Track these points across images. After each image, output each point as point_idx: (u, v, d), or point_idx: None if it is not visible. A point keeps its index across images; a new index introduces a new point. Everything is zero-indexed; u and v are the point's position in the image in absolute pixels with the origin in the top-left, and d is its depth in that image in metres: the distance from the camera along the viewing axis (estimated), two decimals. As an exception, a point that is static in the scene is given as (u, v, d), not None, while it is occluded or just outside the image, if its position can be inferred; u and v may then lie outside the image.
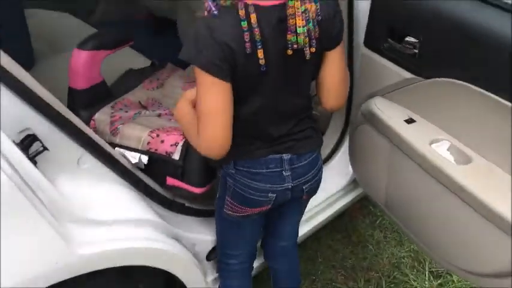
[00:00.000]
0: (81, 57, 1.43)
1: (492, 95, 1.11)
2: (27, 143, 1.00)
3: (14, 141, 0.96)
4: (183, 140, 1.35)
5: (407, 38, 1.29)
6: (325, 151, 1.88)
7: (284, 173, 1.25)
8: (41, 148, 1.01)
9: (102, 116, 1.46)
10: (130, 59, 1.97)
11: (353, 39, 1.59)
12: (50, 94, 1.07)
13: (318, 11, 1.08)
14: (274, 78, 1.12)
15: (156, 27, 2.79)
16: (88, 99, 1.47)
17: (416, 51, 1.27)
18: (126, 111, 1.50)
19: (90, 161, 1.16)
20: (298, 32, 1.05)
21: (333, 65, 1.21)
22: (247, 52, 1.03)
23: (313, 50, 1.09)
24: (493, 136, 1.18)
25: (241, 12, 1.01)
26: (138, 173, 1.32)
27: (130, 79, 1.70)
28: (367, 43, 1.45)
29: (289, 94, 1.19)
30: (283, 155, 1.24)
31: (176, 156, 1.35)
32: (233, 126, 1.12)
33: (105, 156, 1.19)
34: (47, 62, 2.00)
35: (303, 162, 1.27)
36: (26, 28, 2.07)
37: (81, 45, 1.45)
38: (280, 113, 1.21)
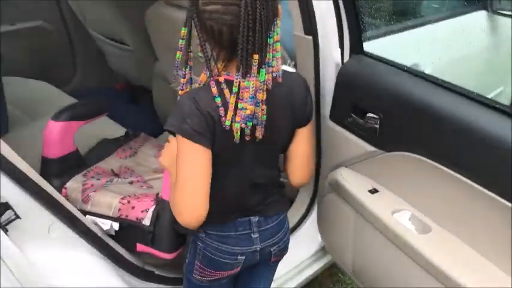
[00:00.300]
0: (54, 128, 1.49)
1: (447, 169, 1.19)
2: (0, 212, 1.02)
3: (-15, 210, 0.98)
4: (154, 206, 1.38)
5: (369, 114, 1.38)
6: (294, 218, 1.92)
7: (252, 235, 1.28)
8: (13, 216, 1.03)
9: (74, 184, 1.48)
10: (105, 127, 2.02)
11: (320, 113, 1.68)
12: (23, 162, 1.10)
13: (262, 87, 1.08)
14: (251, 150, 1.16)
15: (132, 96, 2.87)
16: (61, 168, 1.50)
17: (377, 126, 1.35)
18: (98, 179, 1.53)
19: (60, 229, 1.18)
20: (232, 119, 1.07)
21: (303, 142, 1.26)
22: (225, 129, 1.08)
23: (260, 136, 1.12)
24: (451, 207, 1.24)
25: (214, 90, 1.07)
26: (109, 241, 1.33)
27: (104, 148, 1.75)
28: (333, 117, 1.54)
29: (263, 166, 1.23)
30: (251, 217, 1.27)
31: (147, 222, 1.37)
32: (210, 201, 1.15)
33: (76, 224, 1.20)
34: (22, 129, 2.03)
35: (271, 224, 1.31)
36: (2, 95, 2.11)
37: (55, 117, 1.51)
38: (255, 184, 1.24)
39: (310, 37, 1.51)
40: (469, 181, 1.13)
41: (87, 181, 1.50)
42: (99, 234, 1.30)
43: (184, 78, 1.13)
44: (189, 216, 1.10)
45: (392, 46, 1.75)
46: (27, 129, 2.00)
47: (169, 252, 1.41)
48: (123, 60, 2.60)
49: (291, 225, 1.91)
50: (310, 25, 1.50)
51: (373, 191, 1.43)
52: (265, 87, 1.08)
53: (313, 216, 1.89)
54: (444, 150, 1.21)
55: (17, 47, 2.59)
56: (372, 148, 1.40)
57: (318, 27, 1.50)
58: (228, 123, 1.06)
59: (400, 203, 1.36)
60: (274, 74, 1.10)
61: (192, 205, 1.09)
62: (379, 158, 1.39)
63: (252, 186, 1.24)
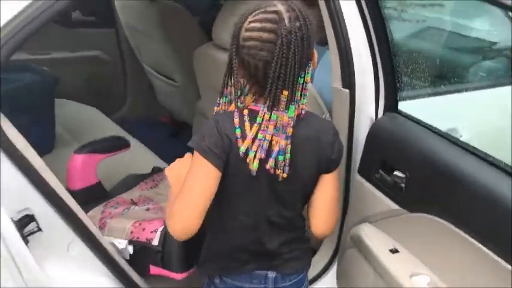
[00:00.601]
0: (76, 161, 1.56)
1: (470, 238, 1.15)
2: (24, 223, 1.07)
3: (12, 219, 1.03)
4: (162, 226, 1.40)
5: (396, 172, 1.37)
6: (314, 271, 1.89)
7: None
8: (36, 229, 1.07)
9: (93, 213, 1.54)
10: (143, 158, 2.09)
11: (351, 166, 1.68)
12: (54, 176, 1.15)
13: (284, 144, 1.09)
14: (269, 187, 1.15)
15: (175, 130, 2.96)
16: (82, 200, 1.53)
17: (403, 185, 1.34)
18: (116, 208, 1.58)
19: (79, 247, 1.22)
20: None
21: (327, 189, 1.23)
22: (241, 156, 1.09)
23: (284, 175, 1.11)
24: (471, 279, 1.20)
25: (236, 121, 1.09)
26: (123, 264, 1.35)
27: (128, 182, 1.81)
28: (361, 171, 1.53)
29: (282, 206, 1.21)
30: (269, 272, 1.24)
31: (155, 241, 1.39)
32: (226, 235, 1.16)
33: (95, 244, 1.24)
34: (65, 150, 2.12)
35: (288, 283, 1.26)
36: (53, 116, 2.23)
37: (78, 150, 1.58)
38: (272, 223, 1.21)
39: (347, 91, 1.53)
40: (492, 254, 1.10)
41: (106, 210, 1.55)
42: (116, 257, 1.33)
43: (218, 106, 1.17)
44: (179, 224, 1.10)
45: (431, 108, 1.74)
46: (71, 150, 2.09)
47: (180, 272, 1.42)
48: (170, 94, 2.70)
49: (310, 277, 1.88)
50: (348, 79, 1.52)
51: (394, 251, 1.40)
52: (292, 123, 1.10)
53: (333, 269, 1.85)
54: (468, 218, 1.18)
55: (73, 73, 2.75)
56: (396, 206, 1.38)
57: (356, 81, 1.53)
58: (242, 149, 1.07)
59: (419, 266, 1.32)
60: (300, 111, 1.12)
61: (186, 215, 1.09)
62: (402, 217, 1.37)
63: (268, 224, 1.21)
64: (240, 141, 1.08)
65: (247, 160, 1.09)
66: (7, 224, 1.00)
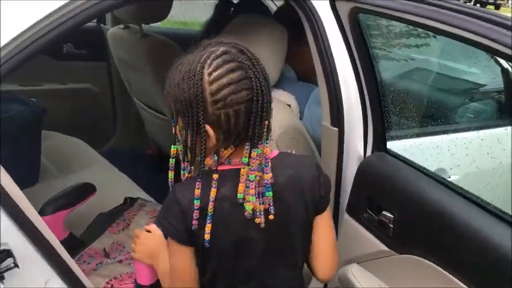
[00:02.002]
0: None
1: (457, 281, 1.13)
2: (1, 258, 1.03)
3: (-13, 254, 1.00)
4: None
5: (384, 212, 1.35)
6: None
7: None
8: (12, 265, 1.03)
9: None
10: (129, 191, 2.06)
11: (339, 205, 1.66)
12: (34, 211, 1.12)
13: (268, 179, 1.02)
14: (261, 242, 1.07)
15: (162, 163, 2.93)
16: None
17: (391, 225, 1.32)
18: (89, 263, 1.56)
19: (57, 284, 1.17)
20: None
21: (323, 233, 1.14)
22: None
23: (269, 217, 1.03)
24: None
25: (197, 192, 1.00)
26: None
27: (99, 225, 1.78)
28: (349, 211, 1.52)
29: (279, 265, 1.12)
30: None
31: None
32: None
33: (74, 282, 1.19)
34: (50, 182, 2.09)
35: None
36: (39, 148, 2.21)
37: (41, 212, 1.50)
38: (269, 287, 1.13)
39: (336, 129, 1.54)
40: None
41: (80, 266, 1.49)
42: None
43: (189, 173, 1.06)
44: None
45: (420, 148, 1.75)
46: (55, 182, 2.06)
47: None
48: (159, 128, 2.69)
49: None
50: (337, 117, 1.53)
51: (382, 294, 1.37)
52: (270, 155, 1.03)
53: (320, 311, 1.81)
54: (456, 261, 1.16)
55: (63, 105, 2.75)
56: (384, 247, 1.36)
57: (344, 120, 1.53)
58: (240, 196, 0.99)
59: (407, 310, 1.30)
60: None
61: None
62: (390, 258, 1.35)
63: None
64: (196, 213, 1.00)
65: (248, 206, 1.00)
66: (-18, 259, 0.97)
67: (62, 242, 1.45)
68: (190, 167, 1.05)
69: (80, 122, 2.83)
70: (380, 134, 1.48)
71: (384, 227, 1.35)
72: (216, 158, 1.02)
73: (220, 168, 1.01)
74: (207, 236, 1.00)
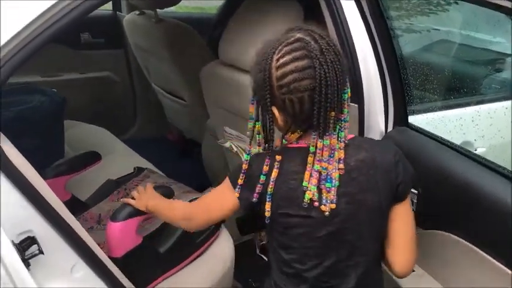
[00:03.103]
0: None
1: (487, 257, 1.11)
2: (26, 246, 1.05)
3: (13, 241, 1.01)
4: None
5: (408, 188, 1.33)
6: None
7: None
8: (37, 251, 1.05)
9: None
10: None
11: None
12: (57, 198, 1.14)
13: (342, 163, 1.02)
14: (319, 226, 1.05)
15: (183, 148, 2.95)
16: None
17: (415, 201, 1.30)
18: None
19: (83, 270, 1.19)
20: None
21: (401, 222, 1.09)
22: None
23: (331, 207, 1.01)
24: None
25: (265, 168, 1.05)
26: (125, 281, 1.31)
27: (103, 190, 1.83)
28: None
29: (339, 249, 1.08)
30: None
31: None
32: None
33: (100, 266, 1.21)
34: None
35: None
36: (62, 137, 2.24)
37: (42, 175, 1.55)
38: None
39: (356, 105, 1.51)
40: (507, 269, 1.05)
41: None
42: (122, 281, 1.29)
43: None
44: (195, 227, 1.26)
45: (444, 122, 1.71)
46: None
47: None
48: (179, 113, 2.70)
49: None
50: (356, 93, 1.50)
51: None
52: (343, 145, 1.02)
53: None
54: (485, 235, 1.13)
55: (83, 94, 2.77)
56: (409, 224, 1.34)
57: (364, 95, 1.50)
58: (305, 184, 1.00)
59: (434, 286, 1.28)
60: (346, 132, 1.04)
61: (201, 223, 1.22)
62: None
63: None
64: (259, 187, 1.05)
65: (309, 194, 1.01)
66: (7, 247, 0.98)
67: (65, 203, 1.52)
68: (265, 144, 1.08)
69: (101, 110, 2.85)
70: (401, 109, 1.45)
71: (408, 203, 1.33)
72: (284, 141, 1.07)
73: (289, 146, 1.06)
74: (267, 214, 1.05)
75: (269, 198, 1.04)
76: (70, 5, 1.06)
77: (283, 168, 1.04)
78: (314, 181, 1.00)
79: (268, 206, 1.04)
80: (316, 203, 1.01)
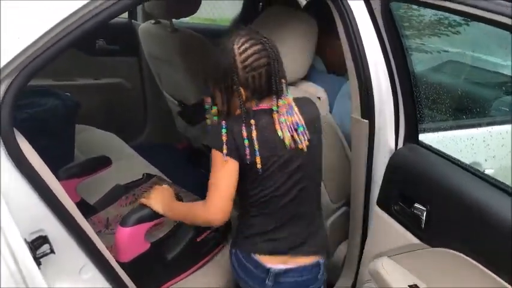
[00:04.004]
0: None
1: (496, 277, 1.11)
2: (37, 244, 1.06)
3: (25, 240, 1.03)
4: None
5: (416, 204, 1.33)
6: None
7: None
8: (48, 251, 1.06)
9: None
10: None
11: (370, 198, 1.65)
12: (69, 200, 1.15)
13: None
14: (296, 166, 1.34)
15: (191, 157, 2.96)
16: None
17: (424, 218, 1.30)
18: None
19: (92, 272, 1.20)
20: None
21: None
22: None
23: (306, 144, 1.32)
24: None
25: (244, 134, 1.27)
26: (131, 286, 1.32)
27: (112, 195, 1.86)
28: (380, 203, 1.50)
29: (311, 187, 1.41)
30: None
31: None
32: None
33: (108, 269, 1.22)
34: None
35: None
36: (73, 140, 2.26)
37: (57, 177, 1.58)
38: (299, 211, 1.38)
39: (367, 121, 1.52)
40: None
41: None
42: (129, 285, 1.30)
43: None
44: (214, 213, 1.31)
45: (454, 142, 1.71)
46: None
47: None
48: (189, 123, 2.71)
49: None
50: (367, 109, 1.51)
51: (414, 287, 1.35)
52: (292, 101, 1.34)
53: (351, 304, 1.80)
54: (494, 256, 1.13)
55: (95, 99, 2.80)
56: (416, 240, 1.34)
57: (375, 112, 1.51)
58: (280, 133, 1.29)
59: (440, 304, 1.28)
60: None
61: (218, 206, 1.30)
62: (423, 252, 1.33)
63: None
64: (248, 150, 1.27)
65: (285, 139, 1.29)
66: (20, 244, 0.99)
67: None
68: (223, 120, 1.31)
69: (112, 116, 2.88)
70: (412, 126, 1.46)
71: (416, 220, 1.33)
72: (244, 110, 1.29)
73: (254, 109, 1.31)
74: (259, 166, 1.29)
75: (257, 153, 1.28)
76: (90, 13, 1.08)
77: (258, 126, 1.28)
78: (285, 130, 1.29)
79: (258, 160, 1.28)
80: (293, 145, 1.31)
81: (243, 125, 1.28)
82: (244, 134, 1.27)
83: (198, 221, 1.40)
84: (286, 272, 1.37)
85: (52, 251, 1.07)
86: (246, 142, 1.27)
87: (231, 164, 1.29)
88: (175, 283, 1.57)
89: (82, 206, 1.71)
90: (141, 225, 1.45)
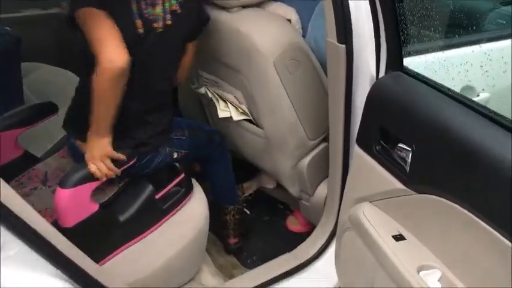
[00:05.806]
0: None
1: (488, 227, 0.93)
2: None
3: None
4: None
5: (401, 145, 1.14)
6: (311, 251, 1.71)
7: None
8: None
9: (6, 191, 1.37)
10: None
11: (349, 135, 1.46)
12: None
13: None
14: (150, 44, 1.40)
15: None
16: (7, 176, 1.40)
17: (409, 160, 1.11)
18: (25, 187, 1.45)
19: (19, 246, 1.01)
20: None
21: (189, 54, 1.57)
22: None
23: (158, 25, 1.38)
24: (489, 271, 0.99)
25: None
26: (76, 258, 1.14)
27: (58, 145, 1.72)
28: (360, 142, 1.30)
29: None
30: None
31: None
32: None
33: (37, 240, 1.03)
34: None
35: None
36: (20, 80, 2.04)
37: None
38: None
39: (343, 46, 1.31)
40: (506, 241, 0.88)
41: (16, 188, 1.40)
42: (65, 251, 1.11)
43: None
44: (112, 61, 1.23)
45: (443, 64, 1.50)
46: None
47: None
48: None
49: (309, 256, 1.70)
50: (344, 32, 1.30)
51: (399, 238, 1.19)
52: None
53: (331, 251, 1.66)
54: (487, 202, 0.95)
55: (45, 33, 2.53)
56: (400, 185, 1.16)
57: (353, 35, 1.30)
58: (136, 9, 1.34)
59: (429, 258, 1.11)
60: None
61: (114, 55, 1.22)
62: (408, 198, 1.15)
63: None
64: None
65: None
66: None
67: (16, 160, 1.47)
68: None
69: (68, 52, 2.60)
70: (395, 50, 1.23)
71: (400, 162, 1.14)
72: None
73: None
74: (140, 30, 1.36)
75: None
76: None
77: None
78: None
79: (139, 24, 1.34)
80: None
81: None
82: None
83: (104, 86, 1.25)
84: None
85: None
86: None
87: (101, 14, 1.26)
88: (135, 243, 1.40)
89: (27, 159, 1.54)
90: (84, 186, 1.26)
